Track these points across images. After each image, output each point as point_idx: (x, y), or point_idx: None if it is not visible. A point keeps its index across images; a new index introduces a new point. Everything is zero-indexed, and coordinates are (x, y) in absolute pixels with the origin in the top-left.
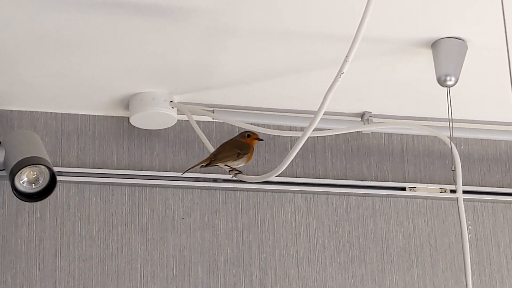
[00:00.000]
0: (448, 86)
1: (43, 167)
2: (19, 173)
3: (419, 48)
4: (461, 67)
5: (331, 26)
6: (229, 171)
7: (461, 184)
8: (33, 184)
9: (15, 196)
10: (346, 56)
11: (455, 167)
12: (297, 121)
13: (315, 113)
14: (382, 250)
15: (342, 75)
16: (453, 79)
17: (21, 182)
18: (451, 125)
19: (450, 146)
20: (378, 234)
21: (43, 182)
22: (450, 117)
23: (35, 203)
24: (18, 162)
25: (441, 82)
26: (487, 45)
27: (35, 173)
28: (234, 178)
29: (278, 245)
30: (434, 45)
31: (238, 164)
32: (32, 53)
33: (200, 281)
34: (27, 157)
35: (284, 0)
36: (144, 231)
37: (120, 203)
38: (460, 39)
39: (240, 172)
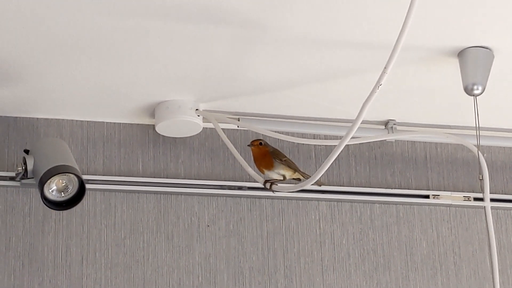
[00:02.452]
0: (475, 95)
1: (72, 175)
2: (48, 181)
3: (446, 57)
4: (488, 76)
5: (360, 35)
6: (265, 182)
7: (488, 192)
8: (62, 193)
9: (41, 204)
10: (385, 67)
11: (482, 176)
12: (321, 129)
13: (353, 122)
14: (406, 258)
15: (380, 86)
16: (480, 88)
17: (50, 190)
18: (478, 134)
19: (477, 155)
20: (402, 242)
21: (72, 190)
22: (478, 126)
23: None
24: (47, 171)
25: (468, 91)
26: None
27: (64, 181)
28: (271, 190)
29: (303, 252)
30: (461, 54)
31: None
32: (58, 61)
33: None
34: (56, 166)
35: (314, 8)
36: (170, 239)
37: (146, 211)
38: (487, 48)
39: (273, 183)
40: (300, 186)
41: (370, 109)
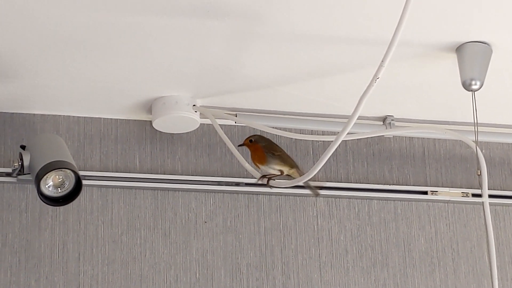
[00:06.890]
0: (473, 90)
1: (68, 171)
2: (44, 177)
3: (444, 52)
4: (486, 71)
5: (355, 31)
6: (260, 178)
7: (487, 188)
8: (58, 188)
9: (38, 200)
10: (382, 61)
11: (480, 172)
12: (319, 125)
13: (349, 117)
14: (404, 254)
15: (377, 79)
16: (478, 83)
17: (46, 186)
18: (476, 130)
19: (475, 150)
20: (400, 238)
21: (68, 186)
22: (476, 122)
23: (58, 207)
24: (43, 166)
25: (466, 86)
26: None
27: (61, 177)
28: (268, 185)
29: (300, 249)
30: (459, 49)
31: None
32: (54, 57)
33: (223, 285)
34: (53, 161)
35: (310, 4)
36: (167, 235)
37: (143, 207)
38: (485, 43)
39: (271, 178)
40: (296, 182)
41: (368, 105)
